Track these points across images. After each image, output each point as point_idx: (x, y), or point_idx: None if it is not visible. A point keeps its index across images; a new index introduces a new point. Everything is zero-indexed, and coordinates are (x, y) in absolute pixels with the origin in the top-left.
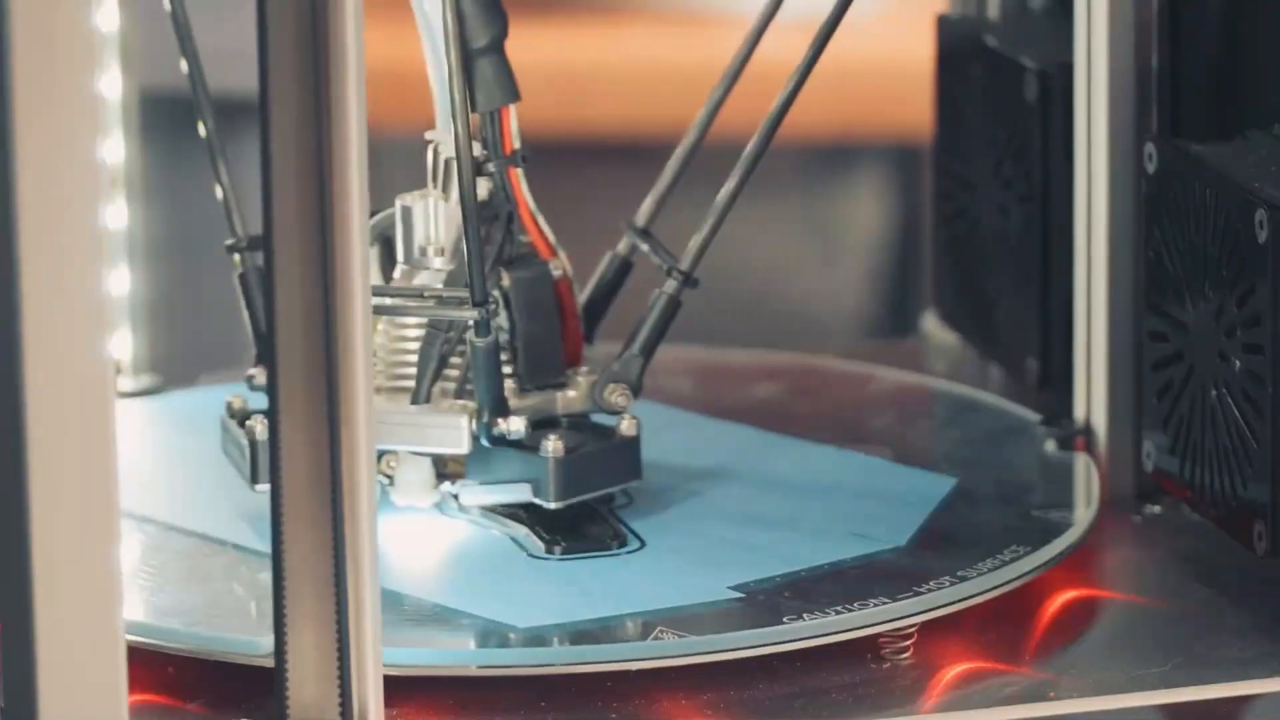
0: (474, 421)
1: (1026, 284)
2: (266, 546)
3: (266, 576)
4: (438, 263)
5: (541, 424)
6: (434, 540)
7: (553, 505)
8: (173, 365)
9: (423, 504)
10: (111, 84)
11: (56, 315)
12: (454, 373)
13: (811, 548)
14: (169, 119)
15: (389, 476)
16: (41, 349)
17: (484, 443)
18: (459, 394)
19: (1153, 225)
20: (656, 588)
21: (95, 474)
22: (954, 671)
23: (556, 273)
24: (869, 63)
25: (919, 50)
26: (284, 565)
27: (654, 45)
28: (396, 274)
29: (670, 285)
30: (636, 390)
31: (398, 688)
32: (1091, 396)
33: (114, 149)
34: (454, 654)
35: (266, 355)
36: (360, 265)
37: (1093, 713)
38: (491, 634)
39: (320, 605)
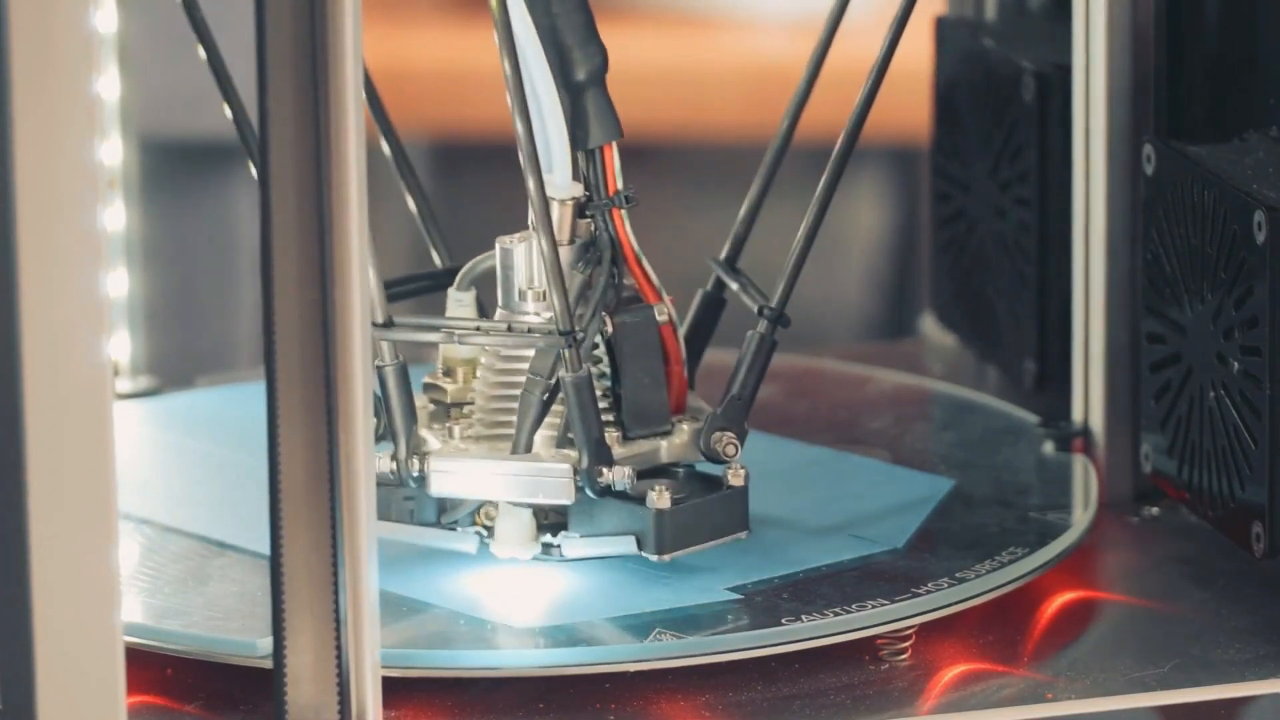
0: (578, 471)
1: (1024, 286)
2: (265, 548)
3: (265, 578)
4: (535, 307)
5: (646, 473)
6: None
7: (656, 559)
8: (170, 367)
9: (524, 556)
10: (110, 85)
11: (54, 317)
12: (556, 421)
13: (809, 549)
14: (168, 120)
15: (488, 528)
16: (40, 351)
17: (589, 493)
18: (560, 444)
19: (1150, 227)
20: (654, 589)
21: (93, 475)
22: (952, 673)
23: (661, 317)
24: (867, 65)
25: (917, 52)
26: (282, 566)
27: (650, 48)
28: (497, 317)
29: (762, 325)
30: (742, 438)
31: (396, 689)
32: (1089, 398)
33: (112, 151)
34: (452, 655)
35: (265, 357)
36: (359, 268)
37: (1090, 714)
38: (490, 635)
39: (318, 606)
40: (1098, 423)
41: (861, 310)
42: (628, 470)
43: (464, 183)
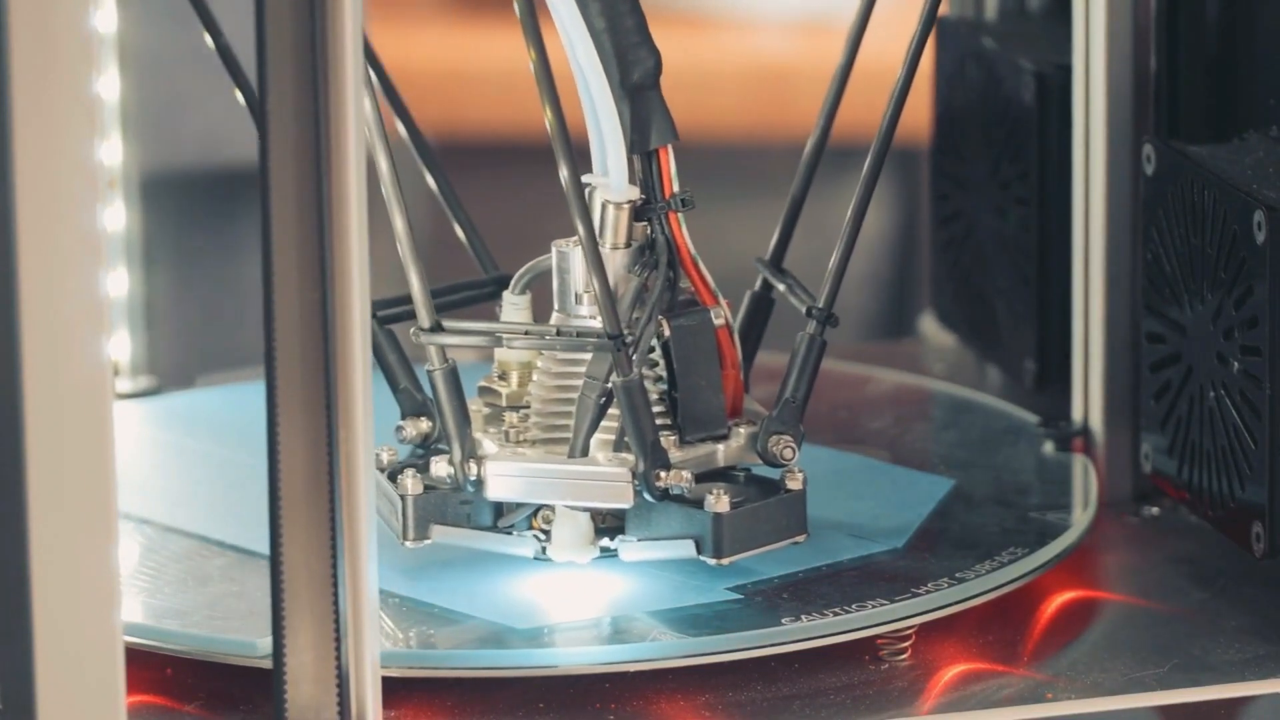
0: (636, 475)
1: (1024, 285)
2: (264, 548)
3: (265, 578)
4: (591, 311)
5: (703, 477)
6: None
7: (715, 563)
8: (170, 367)
9: (581, 560)
10: (109, 85)
11: (54, 317)
12: (614, 424)
13: (809, 549)
14: (168, 119)
15: (545, 531)
16: (40, 350)
17: (647, 497)
18: (618, 447)
19: (1150, 226)
20: (654, 589)
21: (93, 475)
22: (952, 673)
23: (718, 321)
24: (867, 64)
25: None
26: (282, 566)
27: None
28: (552, 321)
29: (812, 326)
30: (799, 440)
31: (396, 689)
32: (1089, 398)
33: (112, 150)
34: (452, 655)
35: (265, 357)
36: (359, 268)
37: (1090, 714)
38: (490, 635)
39: (318, 606)
40: (1098, 423)
41: (861, 310)
42: (686, 474)
43: (464, 184)
